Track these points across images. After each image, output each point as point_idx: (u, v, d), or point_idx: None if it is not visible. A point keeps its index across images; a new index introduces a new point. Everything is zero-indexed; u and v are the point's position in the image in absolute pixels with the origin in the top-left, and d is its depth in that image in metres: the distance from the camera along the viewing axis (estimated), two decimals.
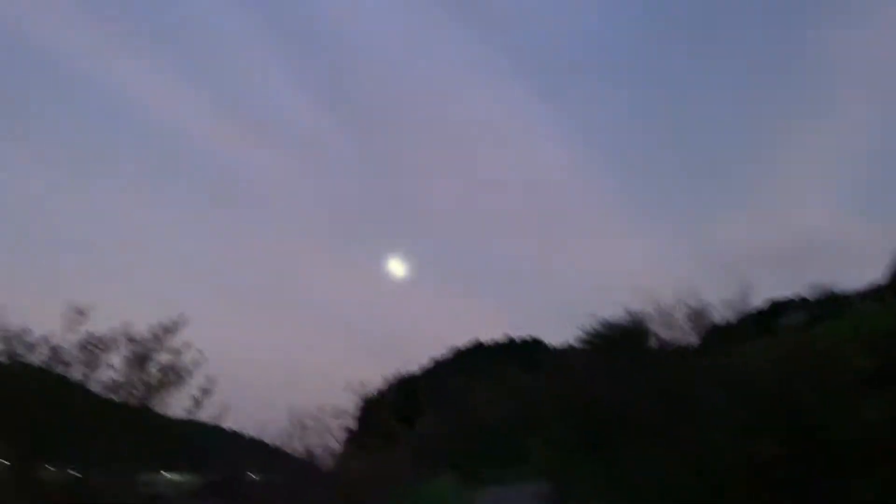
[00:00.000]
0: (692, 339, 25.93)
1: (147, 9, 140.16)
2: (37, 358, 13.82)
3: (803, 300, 54.44)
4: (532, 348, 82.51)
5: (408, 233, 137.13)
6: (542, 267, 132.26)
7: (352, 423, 37.36)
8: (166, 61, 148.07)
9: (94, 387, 14.41)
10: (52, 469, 15.86)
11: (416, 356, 53.96)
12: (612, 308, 29.07)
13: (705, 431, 16.31)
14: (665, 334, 26.11)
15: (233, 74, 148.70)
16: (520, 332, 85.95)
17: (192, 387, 15.16)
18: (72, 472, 15.95)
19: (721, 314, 26.93)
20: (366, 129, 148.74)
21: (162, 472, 33.18)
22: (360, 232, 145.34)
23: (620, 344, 25.19)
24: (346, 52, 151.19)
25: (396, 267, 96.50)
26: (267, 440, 28.45)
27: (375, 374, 50.27)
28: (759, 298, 29.64)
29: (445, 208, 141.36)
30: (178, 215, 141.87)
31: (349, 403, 34.86)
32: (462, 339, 76.81)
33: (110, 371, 14.36)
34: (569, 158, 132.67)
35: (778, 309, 53.76)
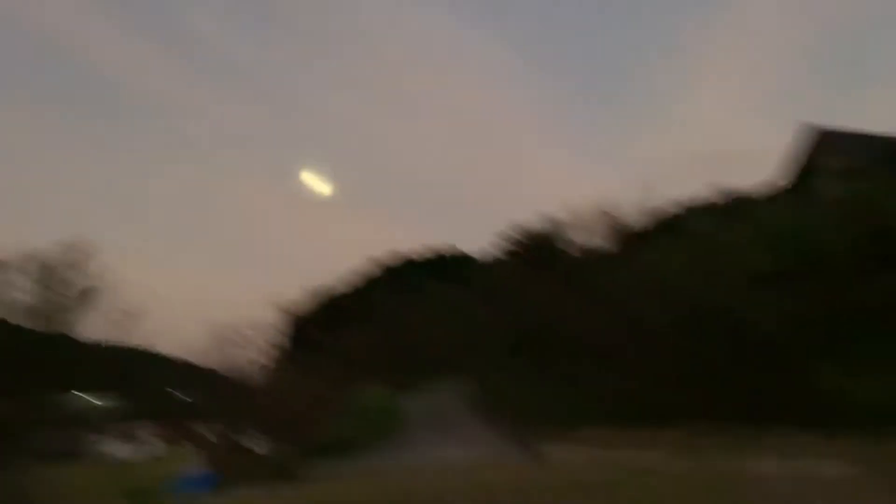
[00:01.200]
0: (608, 244, 27.60)
1: None
2: None
3: (711, 203, 57.33)
4: (461, 263, 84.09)
5: (327, 149, 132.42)
6: (463, 181, 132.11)
7: (281, 340, 37.31)
8: None
9: (4, 312, 13.64)
10: None
11: (342, 274, 53.68)
12: (531, 218, 30.25)
13: (629, 336, 17.44)
14: (582, 240, 27.81)
15: None
16: (443, 245, 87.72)
17: (112, 310, 14.67)
18: None
19: (634, 220, 28.72)
20: (277, 39, 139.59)
21: (77, 392, 32.34)
22: (276, 150, 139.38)
23: (540, 250, 26.32)
24: None
25: (316, 184, 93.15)
26: (196, 361, 27.98)
27: (301, 293, 49.93)
28: (670, 203, 31.39)
29: (363, 123, 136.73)
30: (82, 139, 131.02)
31: (274, 319, 34.78)
32: (389, 256, 77.66)
33: (21, 295, 13.57)
34: (485, 72, 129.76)
35: (687, 213, 56.69)
